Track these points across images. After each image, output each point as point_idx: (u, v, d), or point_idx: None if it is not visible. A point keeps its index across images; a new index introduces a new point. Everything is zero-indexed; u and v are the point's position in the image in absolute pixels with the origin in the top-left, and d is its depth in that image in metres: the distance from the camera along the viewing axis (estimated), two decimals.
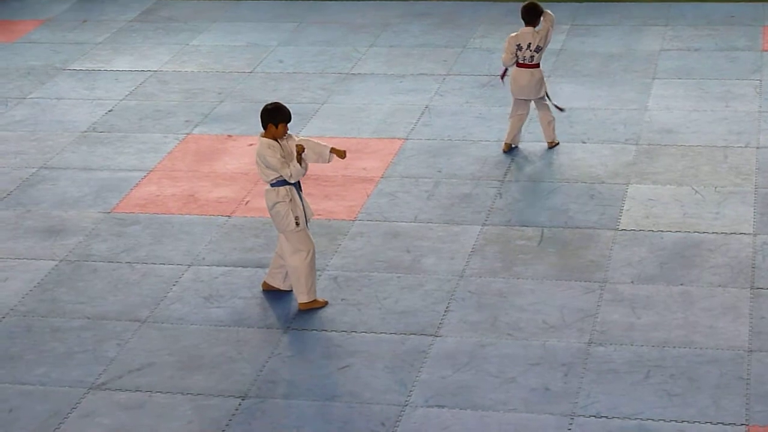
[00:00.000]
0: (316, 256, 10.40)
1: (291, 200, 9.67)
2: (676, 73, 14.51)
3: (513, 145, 12.66)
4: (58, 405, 8.87)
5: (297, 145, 9.62)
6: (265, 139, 9.58)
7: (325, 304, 9.94)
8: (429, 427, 8.51)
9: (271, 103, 9.66)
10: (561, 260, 10.54)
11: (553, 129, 12.65)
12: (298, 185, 9.76)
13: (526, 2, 12.40)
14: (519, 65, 12.41)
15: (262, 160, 9.57)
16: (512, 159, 12.45)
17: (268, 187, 9.73)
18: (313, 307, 9.90)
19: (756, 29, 15.79)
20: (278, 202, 9.67)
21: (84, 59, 15.75)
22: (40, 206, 11.93)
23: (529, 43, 12.29)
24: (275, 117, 9.57)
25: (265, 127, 9.61)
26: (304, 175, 9.70)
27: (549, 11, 12.39)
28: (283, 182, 9.64)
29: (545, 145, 12.74)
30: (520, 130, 12.63)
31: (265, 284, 10.21)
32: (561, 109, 12.79)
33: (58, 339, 9.69)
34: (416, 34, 16.10)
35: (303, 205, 9.73)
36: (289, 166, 9.56)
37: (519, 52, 12.33)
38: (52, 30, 16.93)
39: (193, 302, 10.13)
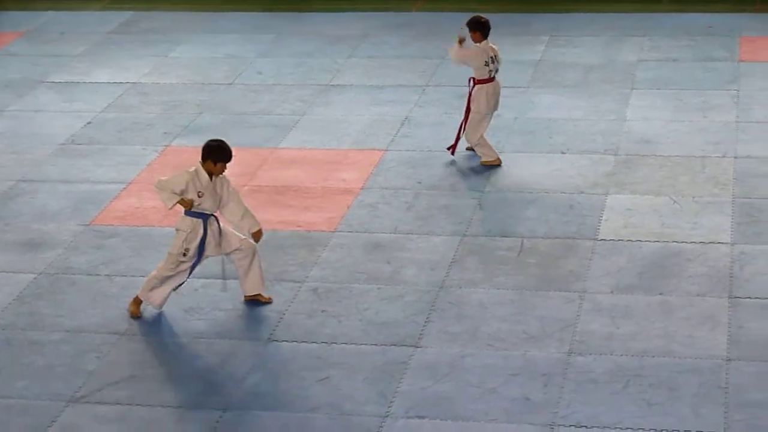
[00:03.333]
0: (295, 267, 10.42)
1: (192, 231, 9.73)
2: (655, 83, 14.58)
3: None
4: (39, 418, 8.84)
5: (185, 201, 9.65)
6: (198, 166, 9.65)
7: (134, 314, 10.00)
8: None
9: (215, 140, 9.73)
10: (541, 270, 10.57)
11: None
12: (216, 220, 9.82)
13: (481, 17, 12.29)
14: (489, 80, 12.38)
15: (170, 177, 9.65)
16: (492, 170, 12.48)
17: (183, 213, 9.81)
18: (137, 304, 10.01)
19: (733, 40, 15.88)
20: (180, 230, 9.77)
21: (62, 71, 15.72)
22: (19, 219, 11.90)
23: (496, 55, 12.32)
24: (216, 155, 9.64)
25: (203, 161, 9.67)
26: (167, 206, 9.77)
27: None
28: (194, 213, 9.71)
29: (525, 155, 12.77)
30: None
31: (245, 296, 10.21)
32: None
33: (38, 352, 9.67)
34: (395, 46, 16.13)
35: (205, 242, 9.77)
36: (173, 196, 9.63)
37: (491, 65, 12.33)
38: (31, 42, 16.90)
39: (173, 315, 10.11)
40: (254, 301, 10.16)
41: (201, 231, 9.75)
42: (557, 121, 13.62)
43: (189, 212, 9.74)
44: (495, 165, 12.53)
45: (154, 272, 9.96)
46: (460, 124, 12.64)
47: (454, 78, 15.00)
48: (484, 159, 12.58)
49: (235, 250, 9.93)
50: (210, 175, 9.70)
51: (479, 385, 9.02)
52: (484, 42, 12.29)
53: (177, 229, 9.85)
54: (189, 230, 9.76)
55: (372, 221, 11.51)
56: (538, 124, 13.53)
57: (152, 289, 9.93)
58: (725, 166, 12.38)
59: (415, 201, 11.91)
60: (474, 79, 12.40)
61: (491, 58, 12.32)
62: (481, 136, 12.51)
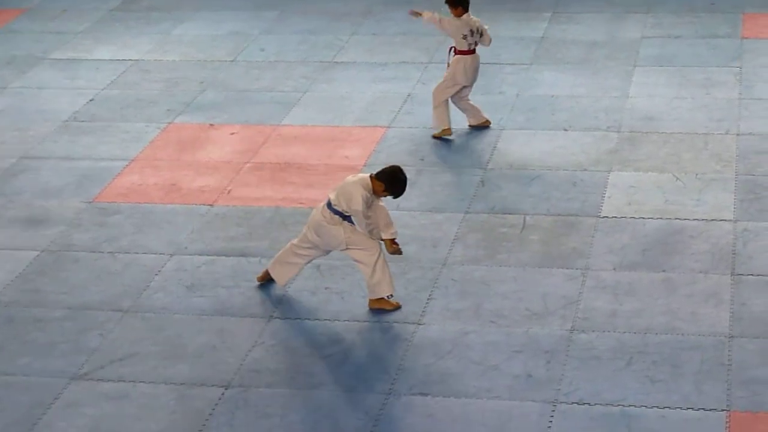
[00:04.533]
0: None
1: (341, 223, 9.57)
2: (658, 60, 14.54)
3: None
4: (41, 395, 8.86)
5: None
6: (365, 182, 9.43)
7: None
8: (412, 415, 8.53)
9: (401, 172, 9.46)
10: (543, 248, 10.57)
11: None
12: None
13: None
14: (469, 52, 12.41)
15: (347, 196, 9.41)
16: (494, 147, 12.47)
17: (323, 205, 9.60)
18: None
19: (736, 16, 15.83)
20: (327, 223, 9.56)
21: (65, 48, 15.70)
22: (22, 196, 11.89)
23: (477, 28, 12.37)
24: (394, 189, 9.44)
25: (378, 180, 9.41)
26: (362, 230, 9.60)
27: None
28: (339, 213, 9.55)
29: (528, 132, 12.76)
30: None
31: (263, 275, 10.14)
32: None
33: (40, 329, 9.68)
34: (399, 22, 16.08)
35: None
36: (361, 221, 9.47)
37: (470, 38, 12.36)
38: (33, 19, 16.86)
39: (175, 292, 10.12)
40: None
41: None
42: (560, 98, 13.59)
43: (338, 212, 9.51)
44: (446, 136, 12.59)
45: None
46: None
47: None
48: (435, 129, 12.67)
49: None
50: (372, 193, 9.47)
51: (482, 362, 9.03)
52: (465, 15, 12.34)
53: (329, 225, 9.53)
54: (338, 222, 9.54)
55: None
56: (541, 101, 13.51)
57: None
58: (728, 143, 12.36)
59: (418, 178, 11.89)
60: (454, 48, 12.44)
61: (471, 31, 12.34)
62: (446, 101, 12.55)
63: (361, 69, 14.67)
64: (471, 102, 12.79)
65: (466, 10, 12.37)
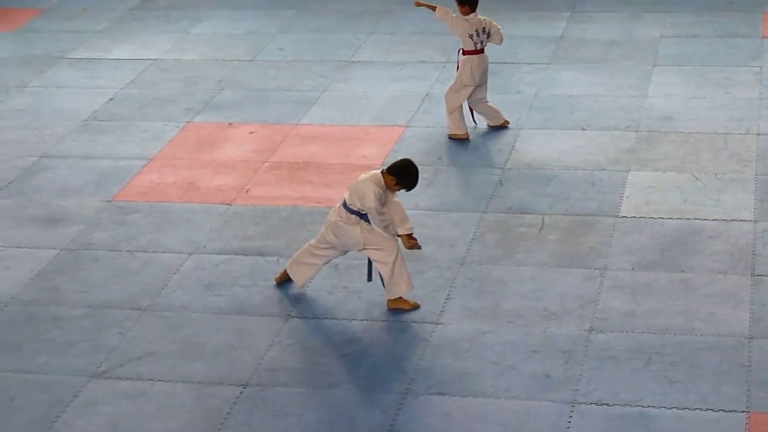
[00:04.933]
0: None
1: (358, 223, 9.55)
2: (676, 59, 14.51)
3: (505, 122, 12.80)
4: (60, 394, 8.89)
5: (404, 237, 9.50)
6: (377, 178, 9.43)
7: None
8: (430, 415, 8.52)
9: (413, 165, 9.46)
10: (561, 247, 10.55)
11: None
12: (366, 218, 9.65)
13: None
14: (476, 52, 12.37)
15: (359, 194, 9.41)
16: (513, 146, 12.46)
17: (339, 205, 9.60)
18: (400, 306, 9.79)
19: (756, 15, 15.78)
20: (343, 224, 9.56)
21: (84, 48, 15.74)
22: (41, 195, 11.93)
23: (484, 28, 12.31)
24: (405, 182, 9.42)
25: (390, 174, 9.40)
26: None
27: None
28: (355, 212, 9.54)
29: (546, 132, 12.75)
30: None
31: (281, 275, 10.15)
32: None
33: (60, 327, 9.71)
34: (416, 22, 16.08)
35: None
36: (376, 218, 9.45)
37: (476, 38, 12.34)
38: (52, 19, 16.91)
39: (194, 290, 10.14)
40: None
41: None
42: (578, 97, 13.57)
43: (354, 211, 9.50)
44: (462, 139, 12.56)
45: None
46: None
47: None
48: (450, 131, 12.63)
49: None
50: (385, 189, 9.46)
51: (499, 362, 9.02)
52: (472, 15, 12.32)
53: (346, 225, 9.53)
54: (355, 222, 9.53)
55: None
56: (559, 101, 13.49)
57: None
58: (748, 143, 12.32)
59: (435, 177, 11.89)
60: (462, 50, 12.41)
61: (477, 31, 12.31)
62: (459, 107, 12.52)
63: (378, 68, 14.67)
64: (489, 104, 12.77)
65: (473, 9, 12.32)
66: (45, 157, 12.75)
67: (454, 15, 12.40)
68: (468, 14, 12.31)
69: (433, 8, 12.48)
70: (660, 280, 9.98)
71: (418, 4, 12.64)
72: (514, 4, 16.52)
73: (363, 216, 9.54)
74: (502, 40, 12.53)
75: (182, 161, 12.50)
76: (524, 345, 9.21)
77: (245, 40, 15.77)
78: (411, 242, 9.55)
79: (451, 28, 12.47)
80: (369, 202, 9.38)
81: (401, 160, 9.53)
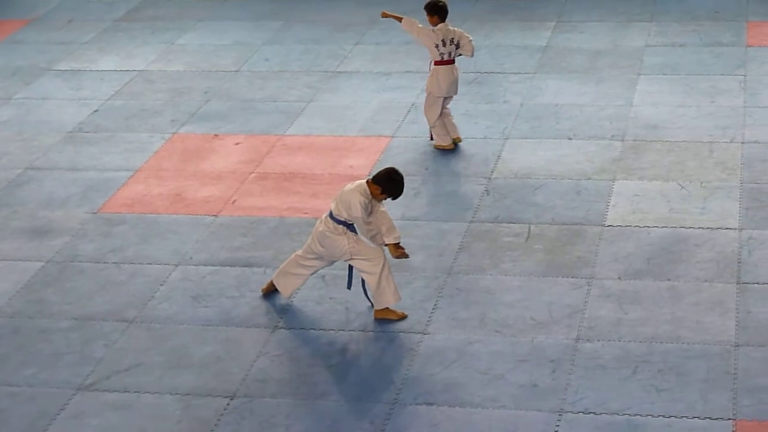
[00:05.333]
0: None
1: (345, 234, 9.55)
2: (662, 68, 14.54)
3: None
4: (46, 406, 8.86)
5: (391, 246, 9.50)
6: (363, 188, 9.42)
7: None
8: (418, 425, 8.52)
9: (397, 173, 9.43)
10: (548, 256, 10.56)
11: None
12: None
13: (439, 0, 12.25)
14: (444, 62, 12.34)
15: (346, 204, 9.40)
16: (499, 156, 12.47)
17: (326, 216, 9.60)
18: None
19: (740, 24, 15.83)
20: (330, 233, 9.55)
21: (70, 59, 15.72)
22: (27, 207, 11.91)
23: (452, 39, 12.30)
24: (387, 187, 9.40)
25: (375, 183, 9.40)
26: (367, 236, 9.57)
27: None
28: (342, 223, 9.54)
29: (532, 141, 12.76)
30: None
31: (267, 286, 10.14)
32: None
33: (46, 340, 9.68)
34: (402, 32, 16.04)
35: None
36: (363, 227, 9.45)
37: (442, 48, 12.32)
38: (38, 30, 16.89)
39: (180, 302, 10.13)
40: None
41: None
42: (564, 106, 13.60)
43: (341, 221, 9.49)
44: (447, 149, 12.56)
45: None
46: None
47: (460, 64, 14.97)
48: (436, 142, 12.62)
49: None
50: (371, 198, 9.45)
51: (487, 372, 9.02)
52: (441, 25, 12.29)
53: (334, 235, 9.51)
54: (341, 232, 9.52)
55: None
56: (545, 110, 13.51)
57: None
58: (733, 151, 12.35)
59: (423, 187, 11.89)
60: (433, 60, 12.44)
61: (444, 41, 12.28)
62: (440, 120, 12.51)
63: (365, 78, 14.68)
64: (451, 117, 12.69)
65: (442, 19, 12.28)
66: (30, 168, 12.72)
67: (420, 25, 12.37)
68: (437, 24, 12.29)
69: (400, 19, 12.41)
70: (647, 289, 10.00)
71: (385, 15, 12.59)
72: (500, 13, 16.55)
73: (350, 226, 9.54)
74: (473, 52, 12.45)
75: (168, 172, 12.49)
76: (512, 354, 9.21)
77: (231, 50, 15.77)
78: (398, 251, 9.55)
79: (417, 39, 12.41)
80: (355, 212, 9.38)
81: (386, 169, 9.54)
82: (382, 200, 9.54)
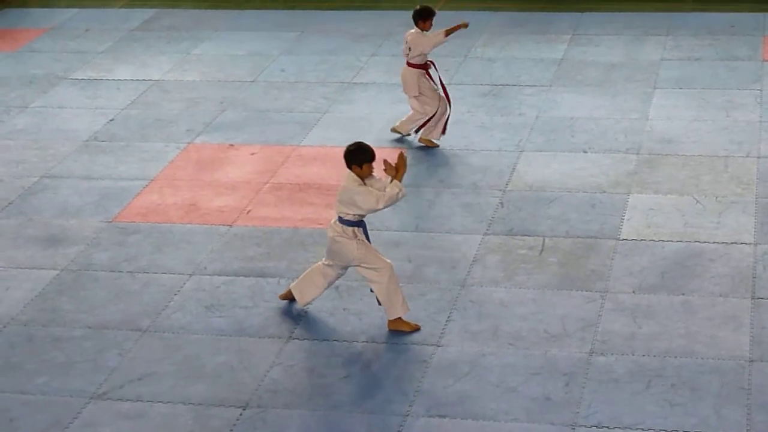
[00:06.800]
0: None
1: (355, 238, 9.54)
2: (677, 82, 14.53)
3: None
4: (59, 415, 8.87)
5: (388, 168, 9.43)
6: (351, 177, 9.40)
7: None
8: None
9: (353, 144, 9.46)
10: (562, 270, 10.55)
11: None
12: (364, 227, 9.60)
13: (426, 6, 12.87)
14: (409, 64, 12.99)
15: (350, 201, 9.38)
16: (514, 168, 12.47)
17: (334, 221, 9.60)
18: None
19: (756, 39, 15.81)
20: (340, 238, 9.54)
21: (86, 68, 15.77)
22: (42, 215, 11.94)
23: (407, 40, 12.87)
24: (358, 158, 9.38)
25: (350, 168, 9.39)
26: (396, 199, 9.42)
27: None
28: (351, 222, 9.54)
29: (547, 154, 12.76)
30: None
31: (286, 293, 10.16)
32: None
33: (59, 348, 9.70)
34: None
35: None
36: (377, 191, 9.36)
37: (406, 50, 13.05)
38: (55, 39, 16.95)
39: (194, 311, 10.14)
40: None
41: (362, 237, 9.57)
42: (579, 119, 13.59)
43: (351, 222, 9.48)
44: (432, 147, 13.03)
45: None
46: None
47: (476, 76, 14.99)
48: (421, 135, 13.11)
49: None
50: (362, 179, 9.45)
51: (500, 384, 9.01)
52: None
53: (344, 239, 9.50)
54: (351, 236, 9.49)
55: (393, 219, 11.50)
56: (561, 123, 13.51)
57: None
58: (748, 166, 12.33)
59: (437, 199, 11.89)
60: (412, 63, 12.97)
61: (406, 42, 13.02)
62: (442, 114, 12.96)
63: (380, 90, 14.70)
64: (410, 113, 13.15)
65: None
66: (46, 177, 12.76)
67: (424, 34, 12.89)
68: (430, 29, 12.86)
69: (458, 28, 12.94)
70: (661, 303, 9.98)
71: (449, 33, 12.90)
72: (515, 26, 16.56)
73: (359, 224, 9.51)
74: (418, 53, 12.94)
75: (183, 182, 12.51)
76: (525, 367, 9.20)
77: (247, 61, 15.80)
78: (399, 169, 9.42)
79: (429, 47, 12.84)
80: (365, 203, 9.36)
81: (347, 150, 9.44)
82: (370, 175, 9.50)
